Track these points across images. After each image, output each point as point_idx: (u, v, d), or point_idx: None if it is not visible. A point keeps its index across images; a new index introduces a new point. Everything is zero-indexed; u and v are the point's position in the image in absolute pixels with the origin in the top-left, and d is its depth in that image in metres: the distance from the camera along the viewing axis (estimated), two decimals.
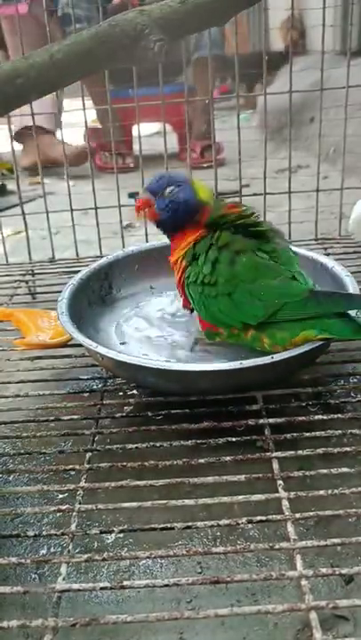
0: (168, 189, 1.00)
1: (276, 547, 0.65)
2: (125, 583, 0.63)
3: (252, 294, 0.91)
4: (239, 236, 0.96)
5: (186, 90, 1.49)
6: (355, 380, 1.01)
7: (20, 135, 2.71)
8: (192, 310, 1.04)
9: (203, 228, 1.00)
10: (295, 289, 0.90)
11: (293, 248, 1.05)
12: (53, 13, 2.77)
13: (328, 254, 1.32)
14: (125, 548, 0.73)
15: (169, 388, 0.92)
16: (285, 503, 0.71)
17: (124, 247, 1.51)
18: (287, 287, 0.90)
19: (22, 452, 0.88)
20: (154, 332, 1.11)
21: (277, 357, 0.85)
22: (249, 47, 5.31)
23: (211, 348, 1.01)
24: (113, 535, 0.74)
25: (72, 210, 1.53)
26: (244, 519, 0.69)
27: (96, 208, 1.54)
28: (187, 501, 0.73)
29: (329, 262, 1.13)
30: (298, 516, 0.69)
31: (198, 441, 0.83)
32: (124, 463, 0.81)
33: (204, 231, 1.00)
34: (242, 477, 0.75)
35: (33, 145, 1.66)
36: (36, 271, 1.50)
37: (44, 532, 0.71)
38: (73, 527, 0.71)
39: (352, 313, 0.89)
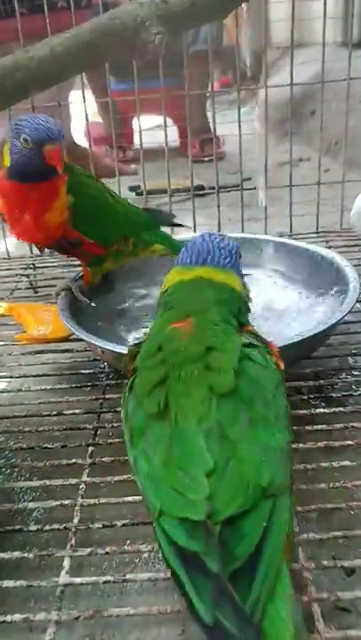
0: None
1: None
2: (128, 576, 0.64)
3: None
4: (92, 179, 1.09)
5: (187, 83, 1.48)
6: (356, 374, 1.01)
7: None
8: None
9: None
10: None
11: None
12: None
13: (330, 247, 1.32)
14: (128, 542, 0.74)
15: None
16: None
17: None
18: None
19: (25, 446, 0.89)
20: None
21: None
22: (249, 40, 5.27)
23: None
24: (115, 529, 0.74)
25: None
26: None
27: None
28: None
29: (329, 254, 1.13)
30: (300, 508, 0.69)
31: None
32: (126, 457, 0.81)
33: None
34: None
35: None
36: (37, 265, 1.50)
37: (47, 527, 0.71)
38: (75, 521, 0.71)
39: None
